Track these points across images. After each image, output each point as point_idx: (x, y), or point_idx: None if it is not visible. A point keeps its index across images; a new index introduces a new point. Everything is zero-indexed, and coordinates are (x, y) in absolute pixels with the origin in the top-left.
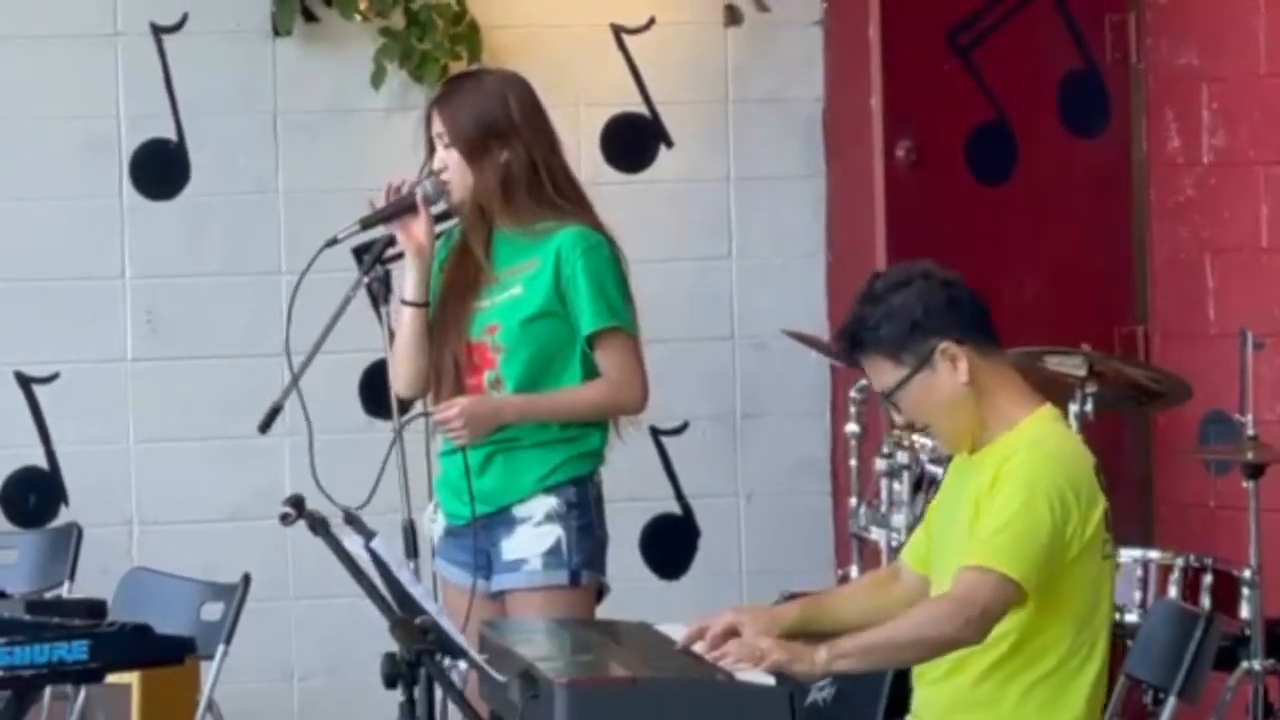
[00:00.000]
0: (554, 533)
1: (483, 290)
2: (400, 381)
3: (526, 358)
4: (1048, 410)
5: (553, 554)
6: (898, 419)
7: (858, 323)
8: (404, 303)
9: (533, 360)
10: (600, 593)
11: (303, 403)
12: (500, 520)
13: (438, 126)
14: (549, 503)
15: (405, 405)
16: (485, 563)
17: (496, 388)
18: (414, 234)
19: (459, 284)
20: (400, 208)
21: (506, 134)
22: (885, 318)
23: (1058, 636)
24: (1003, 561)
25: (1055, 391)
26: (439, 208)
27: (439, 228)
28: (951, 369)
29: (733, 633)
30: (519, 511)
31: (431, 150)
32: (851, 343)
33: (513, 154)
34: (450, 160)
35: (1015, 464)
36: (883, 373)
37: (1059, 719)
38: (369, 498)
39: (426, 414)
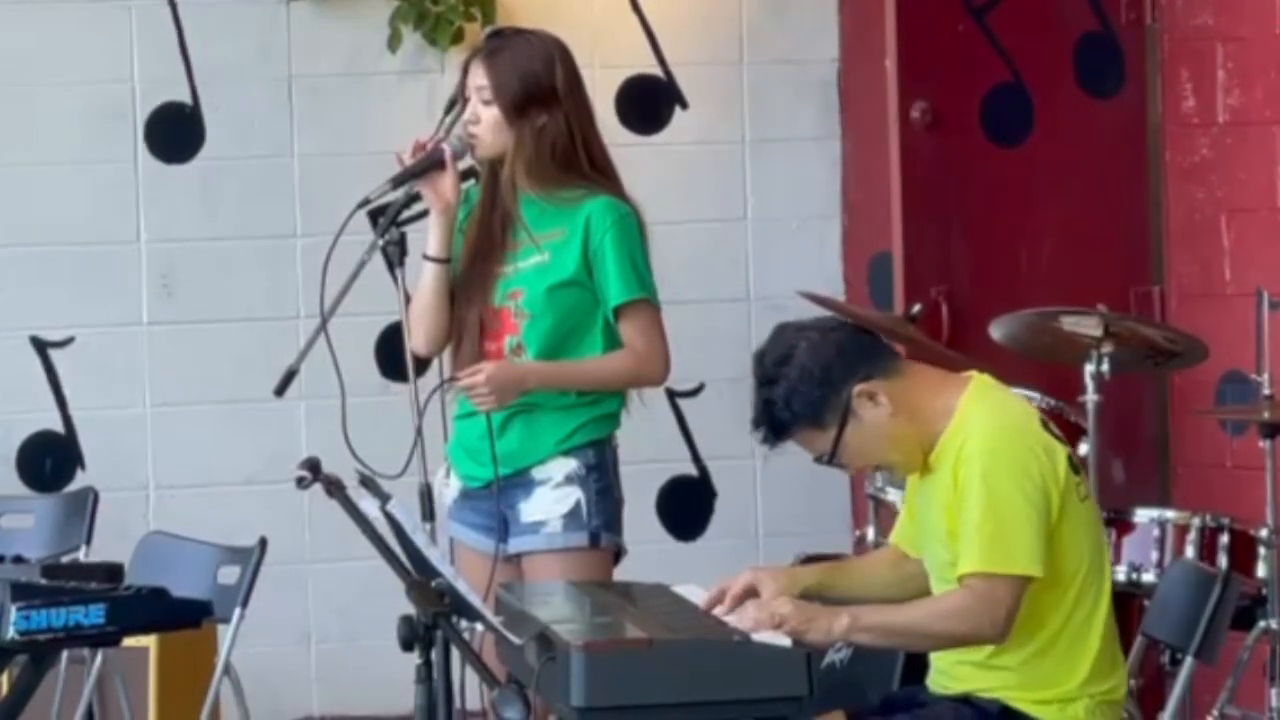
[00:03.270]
0: (574, 495)
1: (506, 254)
2: (419, 338)
3: (550, 325)
4: (978, 383)
5: (572, 516)
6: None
7: (769, 409)
8: (427, 258)
9: (556, 328)
10: (618, 555)
11: (335, 363)
12: (518, 482)
13: (479, 79)
14: (568, 465)
15: (422, 363)
16: (502, 525)
17: (517, 353)
18: (440, 190)
19: (483, 246)
20: (429, 163)
21: (550, 100)
22: (790, 393)
23: (1057, 599)
24: (1013, 563)
25: (1071, 352)
26: (465, 163)
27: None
28: (874, 407)
29: (751, 592)
30: (538, 473)
31: (454, 103)
32: (773, 430)
33: (551, 119)
34: (486, 116)
35: (972, 458)
36: (814, 441)
37: (1080, 662)
38: (404, 468)
39: (453, 379)
